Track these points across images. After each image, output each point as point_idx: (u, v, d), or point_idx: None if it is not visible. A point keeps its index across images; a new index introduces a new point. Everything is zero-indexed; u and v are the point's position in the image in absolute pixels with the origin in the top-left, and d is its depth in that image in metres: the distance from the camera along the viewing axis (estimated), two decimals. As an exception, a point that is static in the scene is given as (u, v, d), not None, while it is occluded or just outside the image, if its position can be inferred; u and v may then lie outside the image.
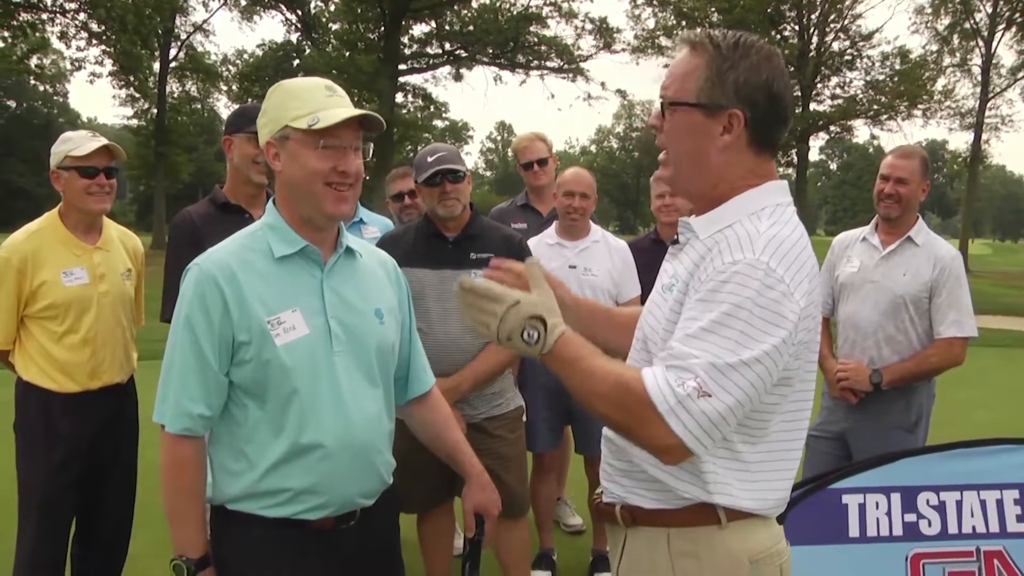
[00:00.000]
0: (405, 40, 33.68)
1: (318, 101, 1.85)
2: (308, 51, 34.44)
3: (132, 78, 33.99)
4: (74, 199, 3.07)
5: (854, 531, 2.83)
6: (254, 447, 1.84)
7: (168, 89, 36.74)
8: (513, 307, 1.55)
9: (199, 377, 1.82)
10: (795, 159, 34.00)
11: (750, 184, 1.61)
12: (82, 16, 30.25)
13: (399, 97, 34.97)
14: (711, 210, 1.62)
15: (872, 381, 3.42)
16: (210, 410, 1.84)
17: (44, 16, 29.63)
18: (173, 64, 36.42)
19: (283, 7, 35.09)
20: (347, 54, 32.74)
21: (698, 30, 1.67)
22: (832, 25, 33.34)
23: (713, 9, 31.79)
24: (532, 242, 3.89)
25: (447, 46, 34.52)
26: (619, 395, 1.47)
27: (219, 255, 1.88)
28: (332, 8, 34.78)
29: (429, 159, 3.13)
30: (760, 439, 1.56)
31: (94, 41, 31.45)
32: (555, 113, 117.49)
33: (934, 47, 35.88)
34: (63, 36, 31.05)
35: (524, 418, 3.49)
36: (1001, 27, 34.80)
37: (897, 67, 33.68)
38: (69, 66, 35.42)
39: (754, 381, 1.44)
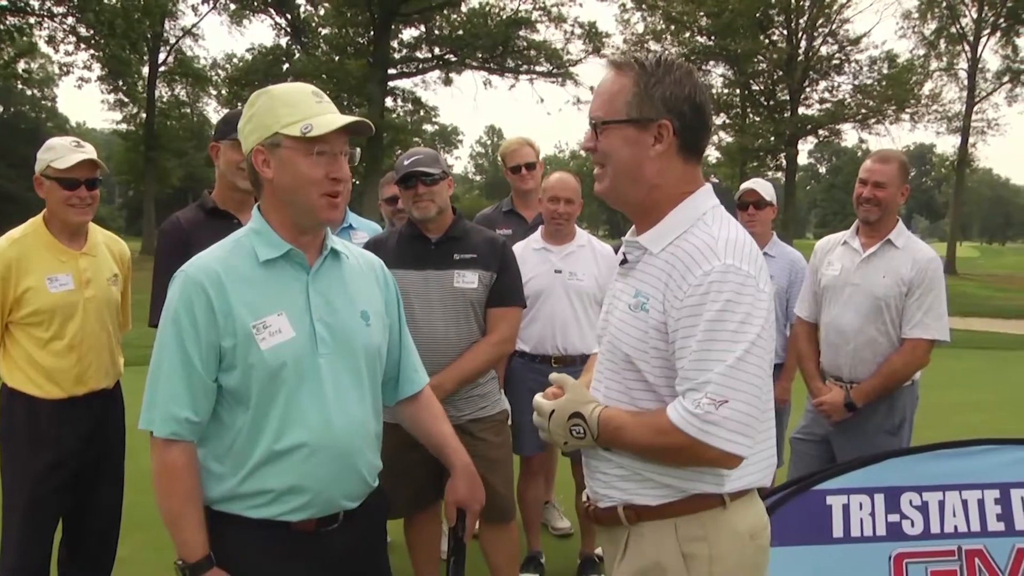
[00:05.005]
0: (395, 44, 33.72)
1: (309, 108, 1.86)
2: (298, 55, 34.36)
3: (121, 82, 33.93)
4: (55, 209, 3.06)
5: (838, 531, 2.86)
6: (238, 449, 1.85)
7: (157, 94, 36.70)
8: (551, 418, 1.77)
9: (186, 383, 1.82)
10: (784, 163, 34.14)
11: (683, 192, 1.76)
12: (70, 20, 30.11)
13: (389, 101, 35.01)
14: (649, 220, 1.76)
15: (847, 406, 3.45)
16: (198, 415, 1.84)
17: (32, 20, 29.45)
18: (162, 68, 36.38)
19: (272, 11, 35.03)
20: (337, 58, 32.73)
21: (623, 54, 1.79)
22: (820, 30, 33.52)
23: (702, 13, 31.92)
24: (518, 247, 3.90)
25: (436, 50, 34.55)
26: (661, 440, 1.64)
27: (205, 261, 1.88)
28: (322, 12, 34.77)
29: (405, 162, 3.22)
30: None
31: (82, 45, 31.31)
32: (544, 117, 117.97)
33: (921, 51, 36.20)
34: (51, 40, 30.96)
35: (510, 421, 3.50)
36: (986, 32, 35.10)
37: (885, 71, 33.90)
38: (57, 70, 35.40)
39: (755, 371, 1.60)
